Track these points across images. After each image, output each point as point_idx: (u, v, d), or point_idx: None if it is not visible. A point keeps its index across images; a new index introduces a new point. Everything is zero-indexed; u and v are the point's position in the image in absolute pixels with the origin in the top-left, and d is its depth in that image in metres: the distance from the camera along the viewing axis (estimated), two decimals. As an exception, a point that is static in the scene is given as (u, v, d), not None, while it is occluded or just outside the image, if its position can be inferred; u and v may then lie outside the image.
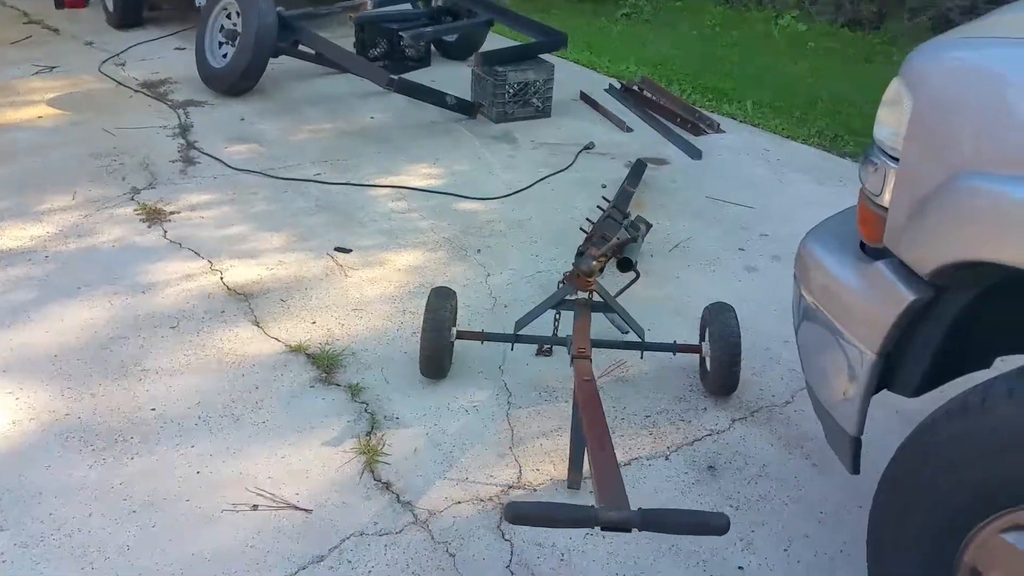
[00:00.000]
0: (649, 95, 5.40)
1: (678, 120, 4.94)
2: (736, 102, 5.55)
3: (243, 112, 4.97)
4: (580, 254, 2.49)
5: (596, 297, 2.47)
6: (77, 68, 5.75)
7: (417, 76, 5.82)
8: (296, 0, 6.72)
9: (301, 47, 5.27)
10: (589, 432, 1.71)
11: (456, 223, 3.65)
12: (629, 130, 4.87)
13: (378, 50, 5.93)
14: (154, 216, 3.63)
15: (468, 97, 5.18)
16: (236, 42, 5.05)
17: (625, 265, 2.61)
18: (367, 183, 4.04)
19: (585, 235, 3.07)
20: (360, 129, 4.80)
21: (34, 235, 3.45)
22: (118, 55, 6.08)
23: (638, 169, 3.98)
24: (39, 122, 4.71)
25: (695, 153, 4.45)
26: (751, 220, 3.74)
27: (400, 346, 2.73)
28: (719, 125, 4.87)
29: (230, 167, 4.17)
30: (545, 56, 5.19)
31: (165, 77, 5.57)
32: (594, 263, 2.37)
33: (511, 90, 4.91)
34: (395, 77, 4.51)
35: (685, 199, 3.94)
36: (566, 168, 4.29)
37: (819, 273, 1.74)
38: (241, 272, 3.18)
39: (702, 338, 2.50)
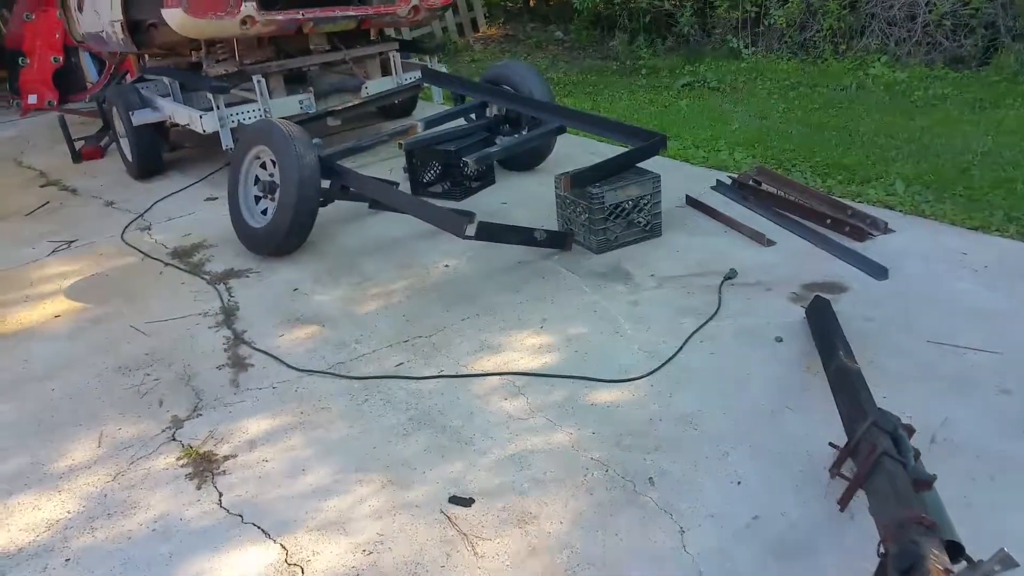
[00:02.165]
0: (772, 189, 4.45)
1: (828, 222, 3.97)
2: (877, 181, 4.58)
3: (295, 278, 4.12)
4: (907, 563, 1.48)
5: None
6: (99, 238, 4.99)
7: (484, 197, 4.99)
8: (338, 130, 6.00)
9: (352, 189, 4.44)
10: None
11: (602, 428, 2.69)
12: (770, 243, 3.91)
13: (433, 173, 5.11)
14: (203, 466, 2.73)
15: (553, 222, 4.31)
16: (275, 196, 4.24)
17: (955, 552, 1.61)
18: (467, 372, 3.11)
19: (837, 454, 2.09)
20: (437, 284, 3.90)
21: (51, 518, 2.56)
22: (142, 215, 5.33)
23: (822, 312, 3.00)
24: (56, 324, 3.90)
25: (878, 271, 3.46)
26: (1009, 375, 2.72)
27: None
28: (886, 224, 3.89)
29: (291, 367, 3.28)
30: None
31: (198, 240, 4.78)
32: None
33: (610, 212, 4.00)
34: (471, 222, 3.61)
35: (899, 349, 2.94)
36: (715, 314, 3.33)
37: None
38: (328, 561, 2.24)
39: None
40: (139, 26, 5.80)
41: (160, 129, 6.11)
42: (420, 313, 3.63)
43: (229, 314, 3.82)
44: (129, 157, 6.13)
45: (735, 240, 4.04)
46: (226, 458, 2.76)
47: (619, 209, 4.02)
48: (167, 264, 4.48)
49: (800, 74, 7.57)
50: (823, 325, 2.90)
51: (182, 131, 6.35)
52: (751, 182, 4.58)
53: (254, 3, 5.06)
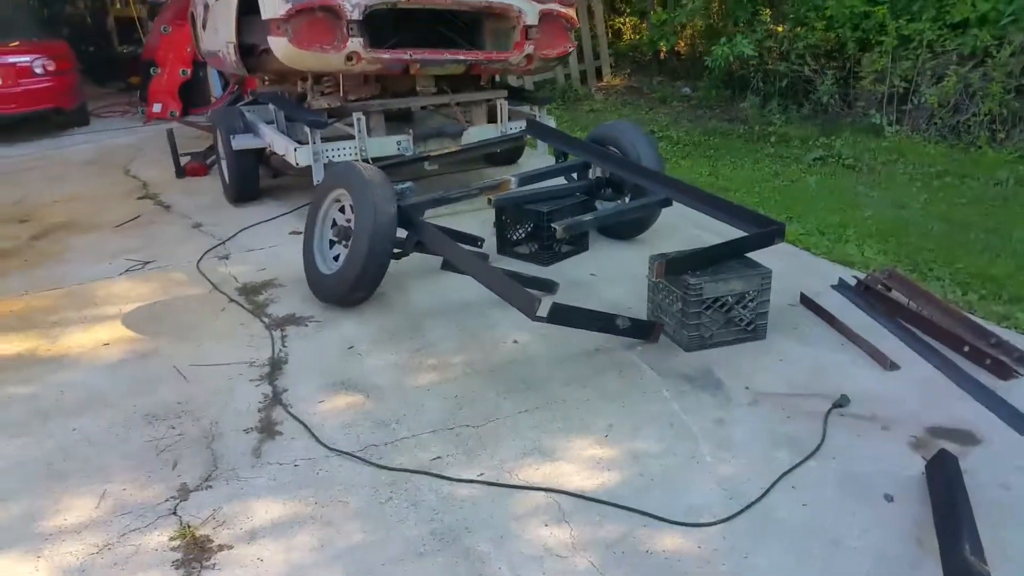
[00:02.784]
0: (903, 299, 3.84)
1: (966, 349, 3.35)
2: (1029, 303, 3.89)
3: (353, 334, 3.82)
4: None
5: None
6: (174, 262, 4.87)
7: (572, 265, 4.58)
8: (436, 173, 5.76)
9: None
10: None
11: (654, 589, 2.20)
12: (894, 367, 3.32)
13: (521, 233, 4.75)
14: (194, 553, 2.40)
15: (643, 306, 3.85)
16: (349, 242, 3.96)
17: None
18: (509, 482, 2.68)
19: None
20: (500, 364, 3.50)
21: (19, 588, 2.29)
22: (224, 242, 5.19)
23: (946, 473, 2.42)
24: (102, 353, 3.73)
25: (1023, 424, 2.82)
26: None
27: None
28: (1039, 364, 3.23)
29: (320, 443, 2.94)
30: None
31: (270, 277, 4.56)
32: None
33: (707, 306, 3.50)
34: (549, 297, 3.21)
35: (1046, 540, 2.32)
36: (816, 451, 2.78)
37: None
38: None
39: None
40: (252, 50, 5.74)
41: (261, 155, 6.01)
42: (475, 396, 3.24)
43: (276, 367, 3.53)
44: (226, 180, 6.07)
45: (852, 356, 3.46)
46: (220, 548, 2.43)
47: (718, 303, 3.52)
48: (232, 300, 4.27)
49: (948, 161, 6.82)
50: (946, 493, 2.32)
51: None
52: (879, 286, 3.98)
53: (361, 39, 4.88)
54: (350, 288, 3.92)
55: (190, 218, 5.78)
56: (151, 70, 9.87)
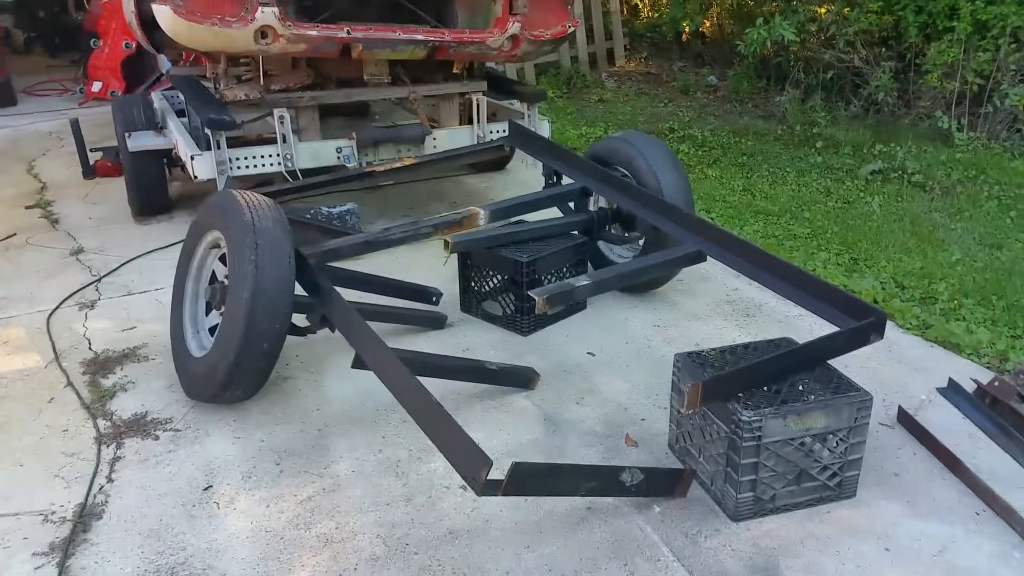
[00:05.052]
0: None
1: None
2: None
3: (219, 459, 2.52)
4: None
5: None
6: (22, 311, 3.57)
7: (563, 334, 3.27)
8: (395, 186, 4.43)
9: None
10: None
11: None
12: (1078, 583, 1.99)
13: (495, 283, 3.42)
14: None
15: (664, 430, 2.53)
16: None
17: None
18: None
19: None
20: (432, 537, 2.18)
21: None
22: (99, 280, 3.87)
23: None
24: None
25: None
26: None
27: None
28: None
29: None
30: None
31: (136, 343, 3.26)
32: None
33: (772, 453, 2.18)
34: (494, 475, 1.88)
35: None
36: None
37: None
38: None
39: None
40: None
41: (170, 157, 4.65)
42: (380, 612, 1.93)
43: (82, 525, 2.23)
44: (126, 188, 4.73)
45: (997, 541, 2.14)
46: None
47: (788, 448, 2.20)
48: (68, 383, 2.96)
49: (1044, 182, 5.45)
50: None
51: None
52: (1015, 400, 2.65)
53: (275, 9, 3.52)
54: (221, 384, 2.60)
55: (75, 239, 4.44)
56: (92, 42, 8.50)
